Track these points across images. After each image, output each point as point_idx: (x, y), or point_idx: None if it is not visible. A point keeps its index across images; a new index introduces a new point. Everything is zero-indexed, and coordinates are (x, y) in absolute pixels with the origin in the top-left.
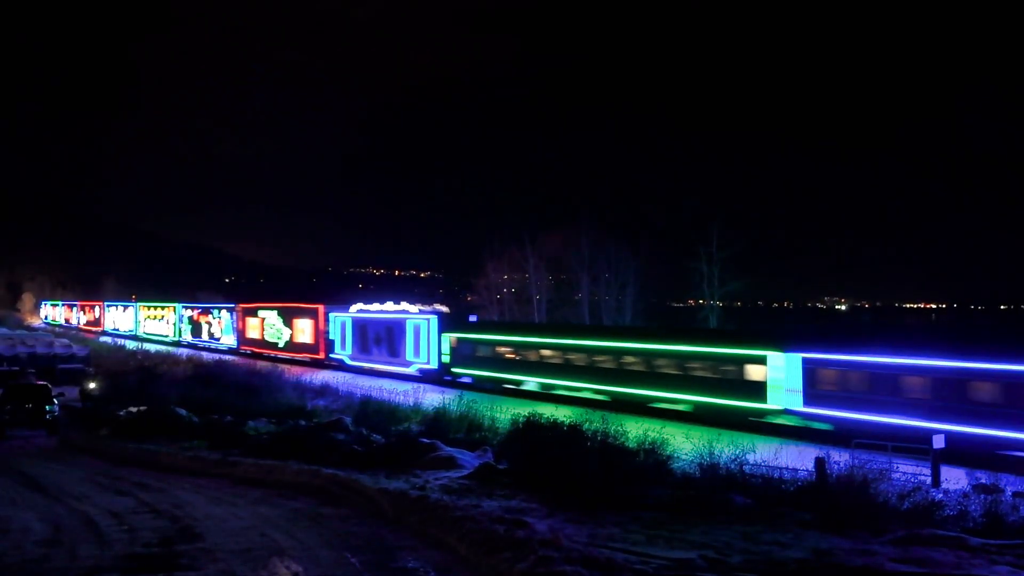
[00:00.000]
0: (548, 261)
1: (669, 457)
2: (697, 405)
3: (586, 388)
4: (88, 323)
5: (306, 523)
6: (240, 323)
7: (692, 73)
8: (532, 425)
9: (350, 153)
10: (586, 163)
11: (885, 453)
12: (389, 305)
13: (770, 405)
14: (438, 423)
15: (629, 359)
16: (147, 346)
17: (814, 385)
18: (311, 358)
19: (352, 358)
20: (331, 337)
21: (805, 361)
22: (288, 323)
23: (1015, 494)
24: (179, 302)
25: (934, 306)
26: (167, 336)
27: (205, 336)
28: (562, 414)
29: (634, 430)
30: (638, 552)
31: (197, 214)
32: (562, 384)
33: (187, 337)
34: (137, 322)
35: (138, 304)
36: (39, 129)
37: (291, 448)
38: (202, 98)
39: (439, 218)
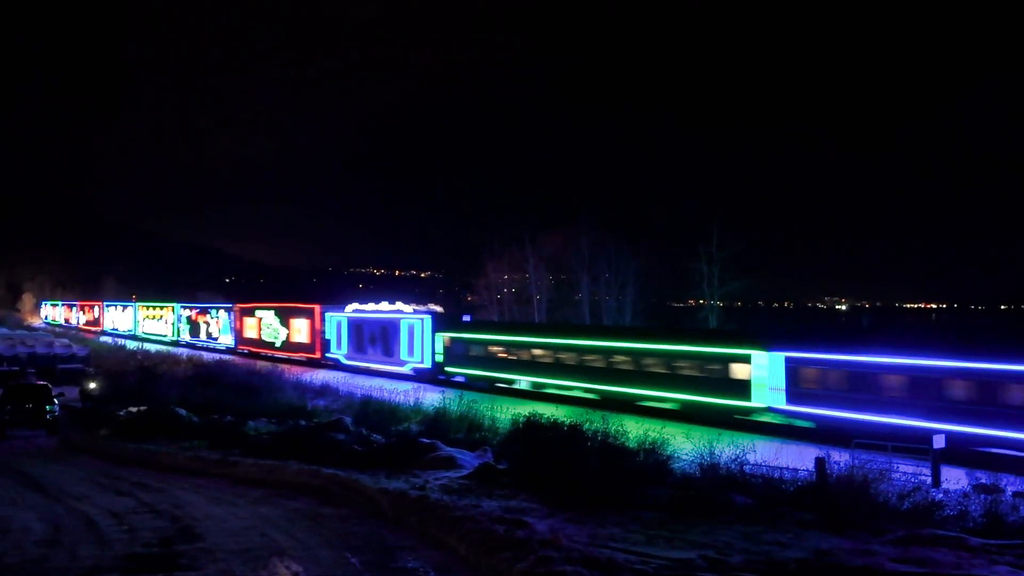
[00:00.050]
0: (548, 261)
1: (669, 457)
2: (684, 403)
3: (576, 387)
4: (87, 323)
5: (306, 523)
6: (238, 323)
7: (692, 73)
8: (532, 425)
9: (350, 153)
10: (586, 163)
11: (885, 453)
12: (384, 305)
13: (754, 403)
14: (438, 423)
15: (618, 358)
16: (147, 346)
17: (796, 384)
18: (307, 357)
19: (348, 357)
20: (327, 337)
21: (788, 360)
22: (285, 323)
23: (1015, 494)
24: (178, 302)
25: (934, 306)
26: (166, 336)
27: (203, 336)
28: (560, 413)
29: (634, 430)
30: (638, 552)
31: (197, 214)
32: (553, 383)
33: (185, 337)
34: (136, 322)
35: (137, 304)
36: (39, 129)
37: (291, 448)
38: (202, 98)
39: (439, 218)
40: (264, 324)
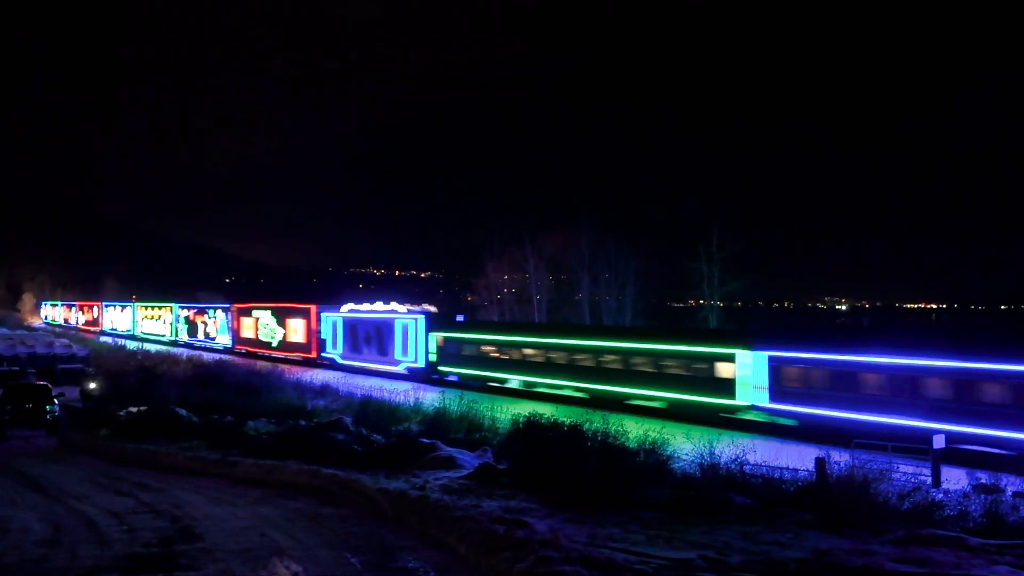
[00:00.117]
0: (548, 261)
1: (669, 457)
2: (671, 402)
3: (567, 386)
4: (87, 323)
5: (306, 523)
6: (235, 323)
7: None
8: (532, 425)
9: (350, 153)
10: (586, 163)
11: (885, 453)
12: (379, 305)
13: (739, 401)
14: (438, 423)
15: (607, 358)
16: (146, 346)
17: (779, 382)
18: (303, 357)
19: (343, 357)
20: (323, 337)
21: (771, 359)
22: (281, 323)
23: (1015, 494)
24: (176, 302)
25: (934, 306)
26: (164, 336)
27: (201, 336)
28: (559, 413)
29: (634, 430)
30: (638, 552)
31: (197, 214)
32: (544, 382)
33: (183, 337)
34: (135, 322)
35: (136, 304)
36: (39, 129)
37: (291, 448)
38: (202, 98)
39: (439, 218)
40: (261, 324)
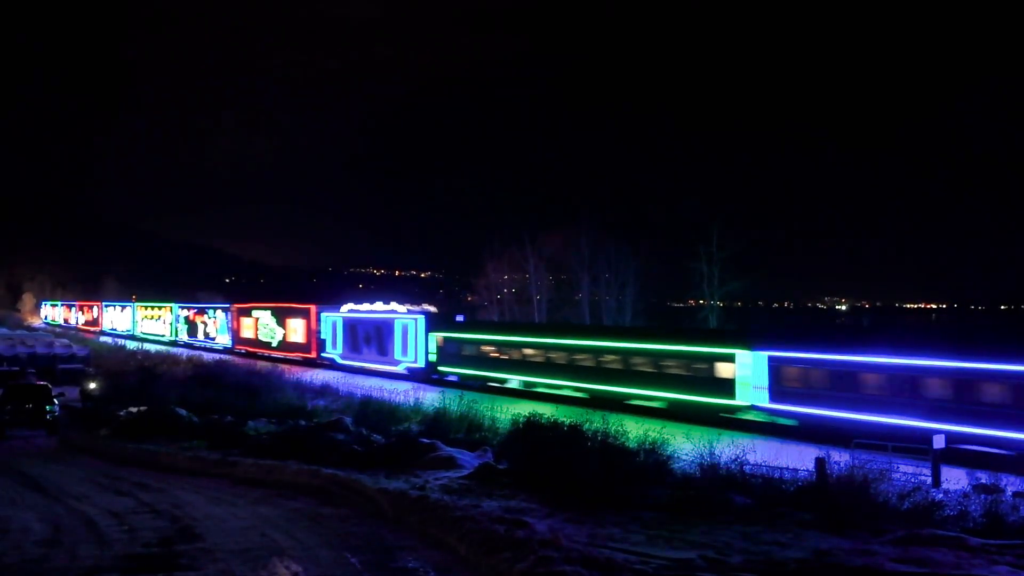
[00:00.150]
0: (548, 261)
1: (669, 457)
2: (671, 402)
3: (566, 386)
4: (87, 323)
5: (306, 523)
6: (235, 323)
7: (692, 73)
8: (532, 425)
9: (350, 153)
10: (586, 163)
11: (885, 453)
12: (378, 305)
13: (738, 401)
14: (438, 423)
15: (607, 358)
16: (146, 346)
17: (779, 382)
18: (303, 357)
19: (343, 357)
20: (323, 337)
21: (770, 359)
22: (281, 323)
23: (1015, 494)
24: (176, 302)
25: (934, 306)
26: (163, 336)
27: (200, 336)
28: (559, 413)
29: (634, 430)
30: (638, 552)
31: (197, 214)
32: (543, 382)
33: (183, 337)
34: (134, 322)
35: (135, 304)
36: (39, 129)
37: (291, 448)
38: (202, 98)
39: (439, 218)
40: (261, 324)
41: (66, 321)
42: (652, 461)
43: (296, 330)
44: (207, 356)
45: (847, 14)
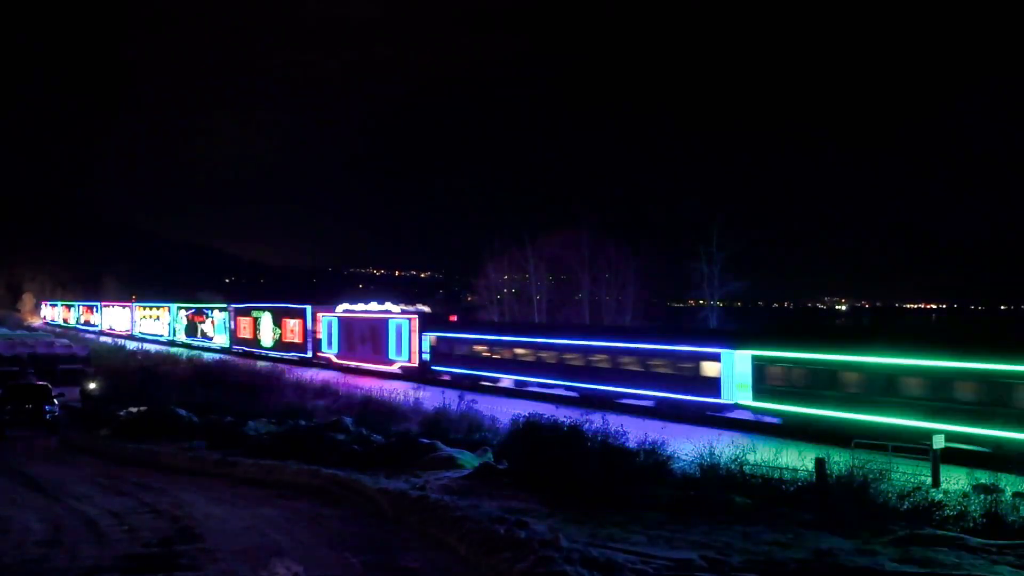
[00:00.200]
0: (548, 261)
1: (669, 457)
2: (659, 400)
3: (558, 385)
4: (86, 323)
5: (306, 523)
6: (232, 323)
7: (692, 73)
8: (532, 426)
9: (350, 153)
10: (586, 163)
11: (885, 453)
12: (373, 305)
13: (724, 400)
14: (438, 423)
15: (597, 357)
16: (146, 346)
17: (762, 381)
18: (299, 357)
19: (338, 357)
20: (318, 336)
21: (754, 359)
22: (278, 323)
23: (1015, 494)
24: (174, 302)
25: (934, 306)
26: (162, 336)
27: (199, 336)
28: (556, 414)
29: (635, 430)
30: (639, 552)
31: (197, 214)
32: (535, 381)
33: (181, 337)
34: (133, 322)
35: (134, 304)
36: (39, 129)
37: (291, 448)
38: (202, 98)
39: (439, 218)
40: (258, 324)
41: (66, 321)
42: (652, 461)
43: (293, 330)
44: (206, 356)
45: (847, 14)
